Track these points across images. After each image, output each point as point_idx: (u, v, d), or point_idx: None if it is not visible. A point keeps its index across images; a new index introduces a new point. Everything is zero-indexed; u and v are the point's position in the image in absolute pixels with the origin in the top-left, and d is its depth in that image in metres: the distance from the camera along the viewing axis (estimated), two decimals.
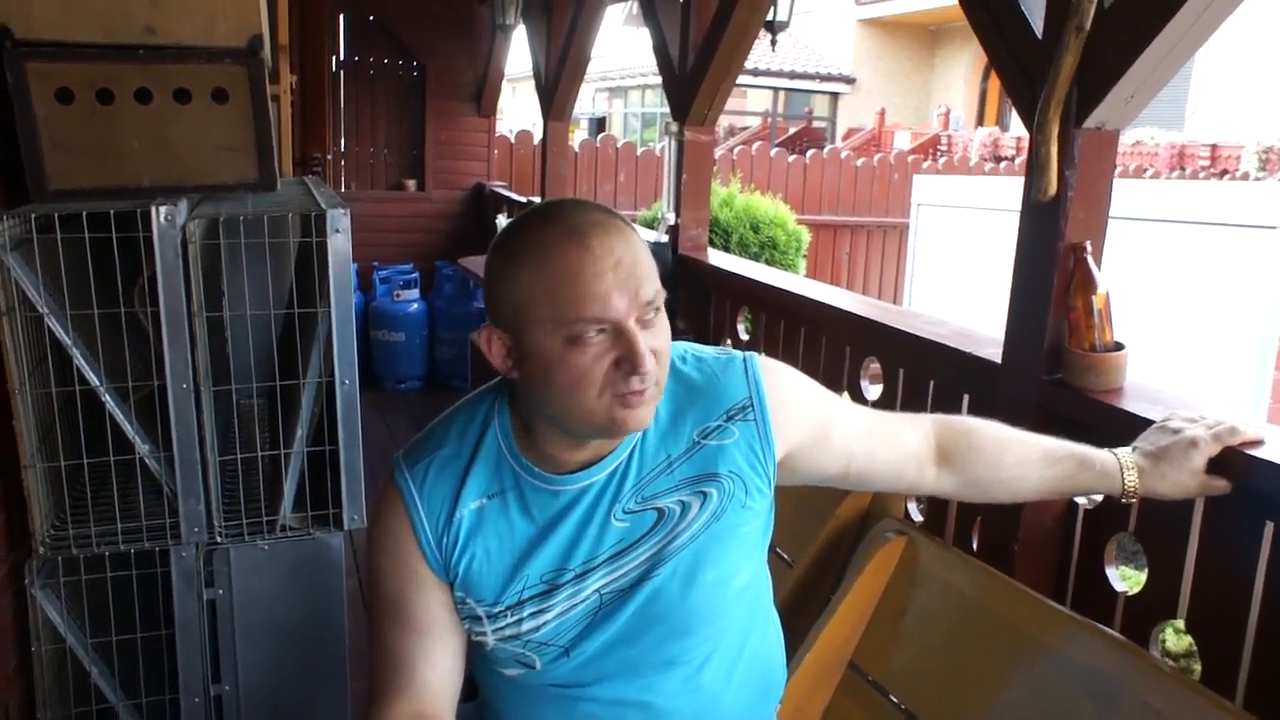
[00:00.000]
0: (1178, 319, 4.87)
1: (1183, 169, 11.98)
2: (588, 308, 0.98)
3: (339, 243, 1.63)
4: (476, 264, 5.13)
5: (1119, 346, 1.55)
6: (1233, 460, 1.25)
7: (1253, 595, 1.33)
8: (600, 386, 1.00)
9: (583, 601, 1.11)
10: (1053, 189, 1.51)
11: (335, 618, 1.84)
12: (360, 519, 1.74)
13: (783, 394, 1.17)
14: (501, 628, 1.12)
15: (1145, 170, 11.31)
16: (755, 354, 1.20)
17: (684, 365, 1.18)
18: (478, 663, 1.23)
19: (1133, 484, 1.24)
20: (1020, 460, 1.28)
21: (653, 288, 1.02)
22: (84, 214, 1.52)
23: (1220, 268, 4.80)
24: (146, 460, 1.65)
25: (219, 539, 1.71)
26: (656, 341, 1.03)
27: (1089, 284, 1.53)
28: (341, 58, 5.80)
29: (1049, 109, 1.46)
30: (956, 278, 6.48)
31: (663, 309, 1.04)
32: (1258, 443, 1.26)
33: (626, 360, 0.99)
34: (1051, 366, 1.60)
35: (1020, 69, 1.59)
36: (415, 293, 5.50)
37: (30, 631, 1.67)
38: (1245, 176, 11.19)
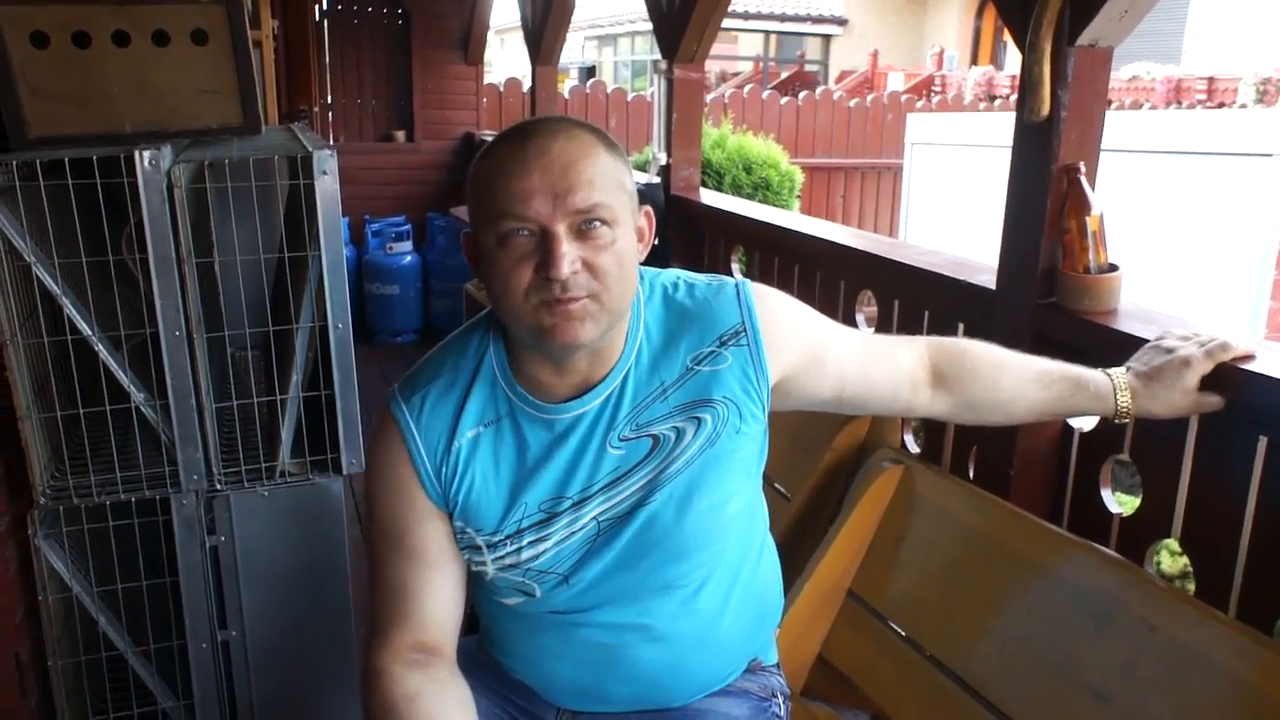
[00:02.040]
0: (1175, 250, 4.85)
1: (1179, 102, 11.86)
2: (509, 204, 0.99)
3: (327, 185, 1.61)
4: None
5: (1113, 268, 1.55)
6: (1226, 375, 1.25)
7: (1246, 510, 1.34)
8: (525, 290, 1.01)
9: (581, 529, 1.12)
10: (1045, 109, 1.49)
11: (338, 562, 1.85)
12: (358, 463, 1.75)
13: (775, 318, 1.17)
14: (501, 556, 1.13)
15: (1142, 105, 11.21)
16: (747, 280, 1.19)
17: (676, 292, 1.17)
18: (478, 594, 1.24)
19: (1125, 404, 1.25)
20: (1015, 382, 1.28)
21: (591, 197, 1.00)
22: (66, 161, 1.50)
23: (1218, 197, 4.77)
24: (143, 409, 1.65)
25: (218, 486, 1.71)
26: (596, 256, 1.01)
27: (1082, 205, 1.52)
28: (324, 6, 5.70)
29: (1041, 26, 1.44)
30: (952, 216, 6.44)
31: (615, 226, 1.03)
32: (1250, 357, 1.26)
33: (544, 264, 0.99)
34: (1046, 290, 1.60)
35: None
36: (408, 245, 5.47)
37: (36, 581, 1.68)
38: (1243, 108, 11.08)
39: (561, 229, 0.99)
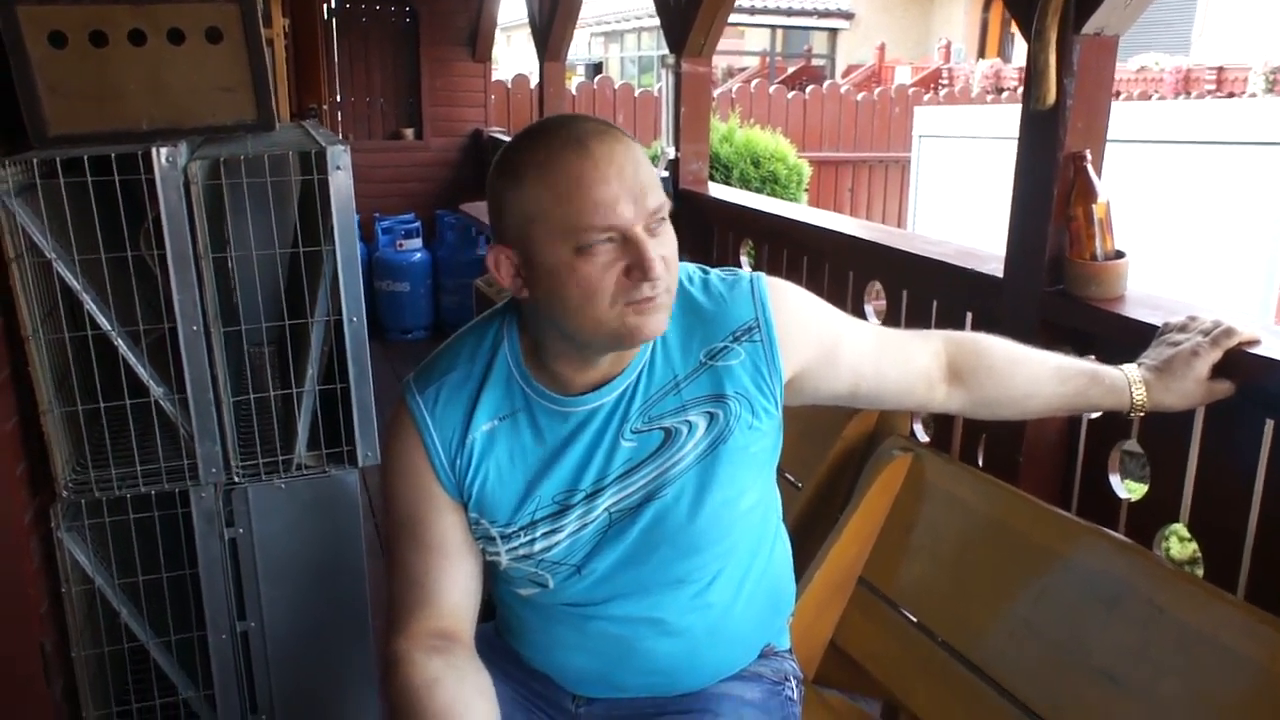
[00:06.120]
0: (1186, 240, 4.84)
1: (1189, 93, 11.78)
2: (595, 215, 0.98)
3: (340, 180, 1.64)
4: (478, 210, 5.11)
5: (1120, 255, 1.56)
6: (1234, 361, 1.26)
7: (1253, 493, 1.35)
8: (612, 296, 1.00)
9: (593, 521, 1.13)
10: (1051, 97, 1.50)
11: (353, 553, 1.87)
12: (374, 455, 1.77)
13: (789, 315, 1.17)
14: (515, 547, 1.14)
15: (1150, 96, 11.14)
16: (762, 275, 1.20)
17: (691, 286, 1.18)
18: (494, 583, 1.25)
19: (1140, 398, 1.25)
20: (1031, 378, 1.28)
21: (657, 197, 1.02)
22: (85, 158, 1.53)
23: (1228, 187, 4.75)
24: (162, 403, 1.68)
25: (236, 479, 1.74)
26: (665, 249, 1.03)
27: (1089, 193, 1.53)
28: (333, 4, 5.72)
29: (1047, 15, 1.45)
30: (960, 209, 6.43)
31: (668, 219, 1.04)
32: (1255, 342, 1.27)
33: (637, 268, 0.99)
34: (1053, 278, 1.61)
35: None
36: (418, 242, 5.50)
37: (59, 573, 1.71)
38: (1253, 98, 11.01)
39: (641, 230, 1.00)
